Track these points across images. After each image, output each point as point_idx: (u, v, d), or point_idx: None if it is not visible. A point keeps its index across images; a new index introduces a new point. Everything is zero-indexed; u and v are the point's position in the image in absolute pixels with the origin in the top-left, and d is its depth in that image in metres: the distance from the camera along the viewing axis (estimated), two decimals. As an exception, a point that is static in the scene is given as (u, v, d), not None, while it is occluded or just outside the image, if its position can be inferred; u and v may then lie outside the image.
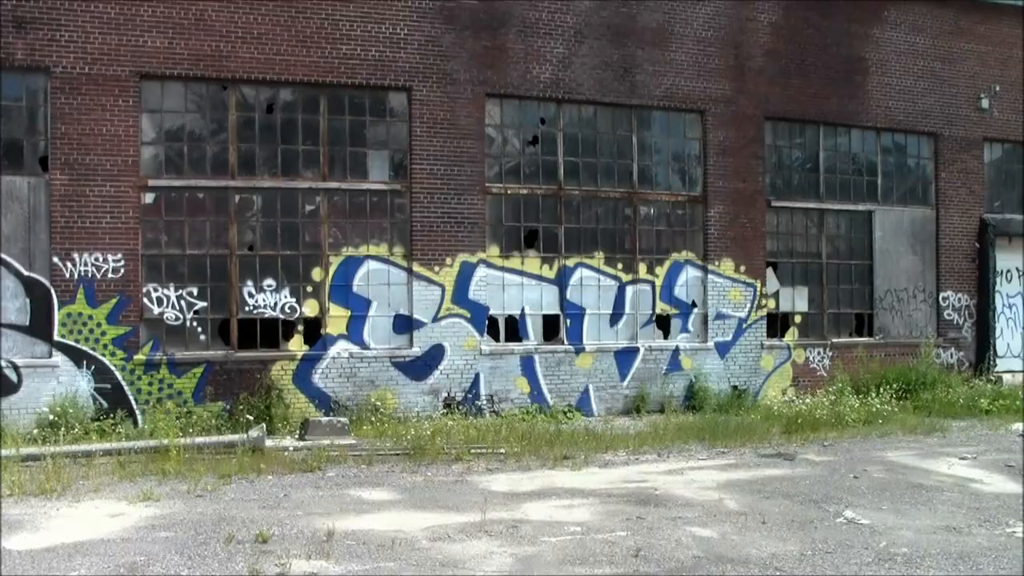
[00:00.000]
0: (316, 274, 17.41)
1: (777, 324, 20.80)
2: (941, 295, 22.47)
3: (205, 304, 16.84)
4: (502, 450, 14.20)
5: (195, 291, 16.80)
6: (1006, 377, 22.10)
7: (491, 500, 10.99)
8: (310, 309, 17.39)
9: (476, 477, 12.57)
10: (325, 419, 15.86)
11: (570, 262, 19.03)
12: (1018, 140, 23.54)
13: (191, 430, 15.09)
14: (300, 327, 17.33)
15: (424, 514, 10.35)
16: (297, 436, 15.30)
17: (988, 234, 22.74)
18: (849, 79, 21.53)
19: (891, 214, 22.09)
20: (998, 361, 22.77)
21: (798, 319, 21.15)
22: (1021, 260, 23.66)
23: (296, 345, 17.29)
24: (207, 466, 12.66)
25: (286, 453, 13.62)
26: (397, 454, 14.04)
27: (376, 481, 12.27)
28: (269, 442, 14.28)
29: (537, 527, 9.77)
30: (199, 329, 16.84)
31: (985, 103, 22.84)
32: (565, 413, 18.32)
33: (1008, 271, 23.48)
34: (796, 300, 21.10)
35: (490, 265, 18.39)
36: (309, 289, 17.38)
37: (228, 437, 14.14)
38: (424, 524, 9.89)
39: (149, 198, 16.65)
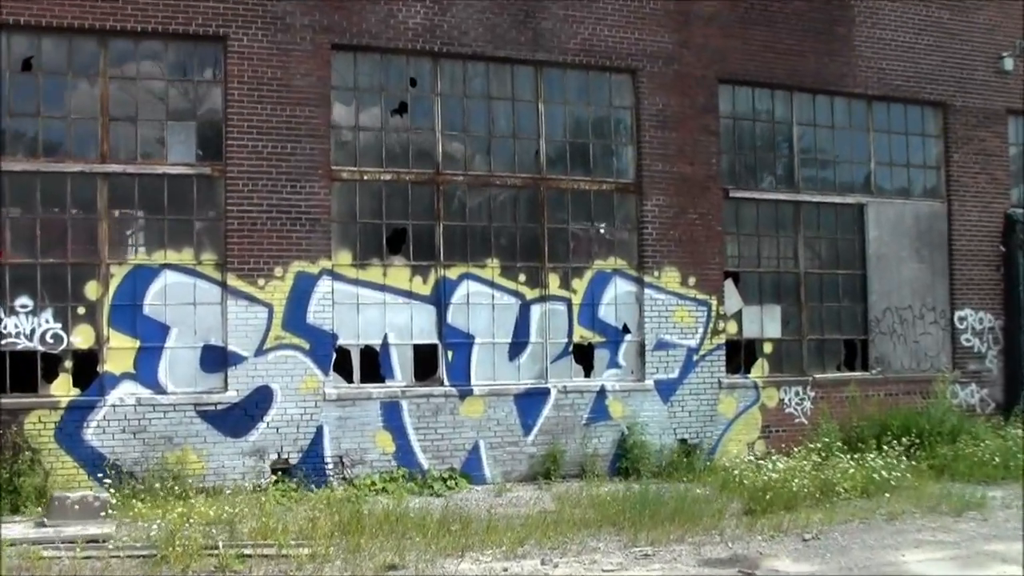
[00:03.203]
0: (91, 290, 14.33)
1: (740, 355, 17.88)
2: (957, 314, 19.33)
3: (-68, 331, 13.87)
4: (291, 552, 10.31)
5: (-82, 313, 13.82)
6: (1045, 421, 18.80)
7: None
8: (83, 339, 14.30)
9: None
10: (76, 495, 12.43)
11: (453, 273, 16.01)
12: (1052, 113, 20.41)
13: None
14: (68, 363, 14.23)
15: None
16: (36, 522, 12.06)
17: (1016, 234, 19.50)
18: (830, 32, 18.50)
19: (889, 208, 19.01)
20: (1034, 400, 19.25)
21: (768, 348, 18.09)
22: (1060, 267, 20.27)
23: (61, 388, 14.16)
24: None
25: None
26: (142, 556, 10.36)
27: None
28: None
29: None
30: (-77, 366, 13.84)
31: (1009, 64, 19.66)
32: (445, 480, 15.23)
33: (1043, 282, 20.08)
34: (766, 323, 18.11)
35: (339, 277, 15.33)
36: (81, 311, 14.32)
37: None
38: None
39: None
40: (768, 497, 12.99)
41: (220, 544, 10.49)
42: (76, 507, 12.02)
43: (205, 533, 10.91)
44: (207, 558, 10.12)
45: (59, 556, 10.34)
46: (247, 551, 10.39)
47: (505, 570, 10.07)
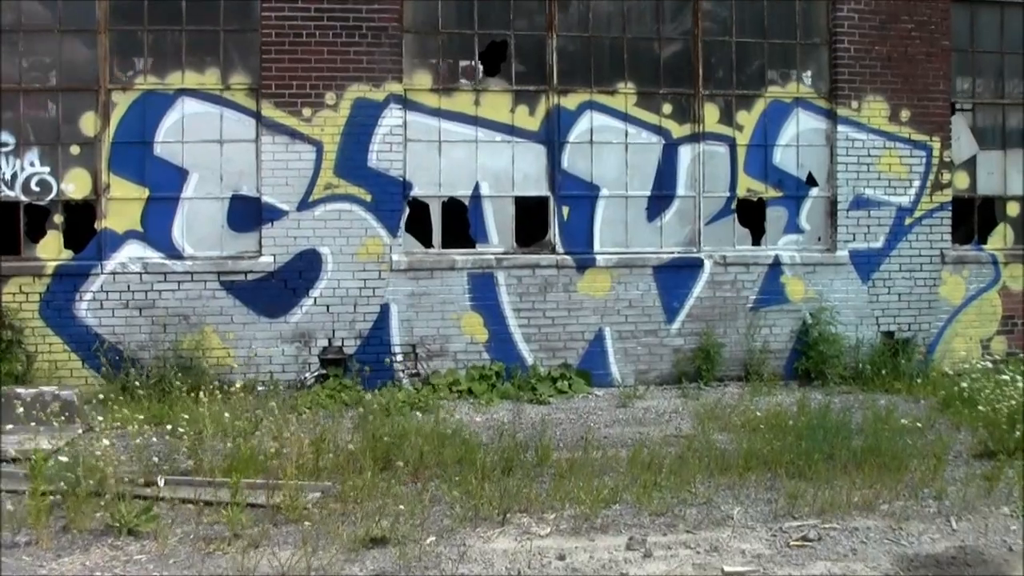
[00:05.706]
0: (88, 124, 11.97)
1: (973, 219, 14.41)
2: None
3: None
4: (214, 498, 7.14)
5: None
6: None
7: None
8: (76, 187, 12.02)
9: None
10: (31, 392, 9.85)
11: (571, 102, 12.91)
12: None
13: None
14: (58, 218, 12.08)
15: None
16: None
17: None
18: None
19: None
20: None
21: (1014, 210, 14.41)
22: None
23: (50, 250, 12.05)
24: None
25: None
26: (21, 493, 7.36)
27: None
28: None
29: None
30: None
31: None
32: (555, 380, 12.42)
33: None
34: (1010, 175, 14.41)
35: (413, 106, 12.55)
36: (75, 151, 12.04)
37: None
38: None
39: None
40: (1020, 432, 8.81)
41: (161, 481, 7.38)
42: (33, 410, 9.12)
43: (145, 458, 7.87)
44: (96, 502, 6.87)
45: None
46: (178, 494, 7.19)
47: (561, 558, 6.32)
